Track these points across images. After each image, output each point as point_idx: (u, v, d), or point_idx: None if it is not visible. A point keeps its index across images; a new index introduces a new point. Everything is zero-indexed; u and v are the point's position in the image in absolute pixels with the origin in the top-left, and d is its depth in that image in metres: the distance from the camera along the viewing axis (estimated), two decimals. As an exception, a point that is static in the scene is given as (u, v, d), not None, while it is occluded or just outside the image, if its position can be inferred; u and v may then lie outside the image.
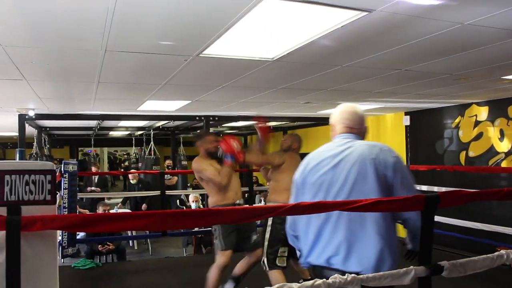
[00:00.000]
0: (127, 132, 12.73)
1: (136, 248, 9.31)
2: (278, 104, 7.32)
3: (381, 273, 2.07)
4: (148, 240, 9.16)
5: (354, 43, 3.41)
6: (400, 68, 4.43)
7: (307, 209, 1.88)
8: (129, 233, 9.25)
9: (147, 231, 8.81)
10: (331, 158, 2.49)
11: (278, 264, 4.39)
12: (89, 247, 7.03)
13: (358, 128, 2.60)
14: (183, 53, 3.61)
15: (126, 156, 21.35)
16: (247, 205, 7.02)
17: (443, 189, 6.43)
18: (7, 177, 1.59)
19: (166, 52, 3.54)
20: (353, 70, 4.40)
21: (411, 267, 2.15)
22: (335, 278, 1.97)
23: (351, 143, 2.49)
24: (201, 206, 8.53)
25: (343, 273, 2.03)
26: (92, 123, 9.75)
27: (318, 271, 2.36)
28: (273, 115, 9.30)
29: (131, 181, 10.04)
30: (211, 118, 8.82)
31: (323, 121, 10.14)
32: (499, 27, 3.06)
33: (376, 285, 2.06)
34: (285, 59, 3.85)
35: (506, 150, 7.03)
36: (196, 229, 7.77)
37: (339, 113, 2.67)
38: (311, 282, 1.91)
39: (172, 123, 10.32)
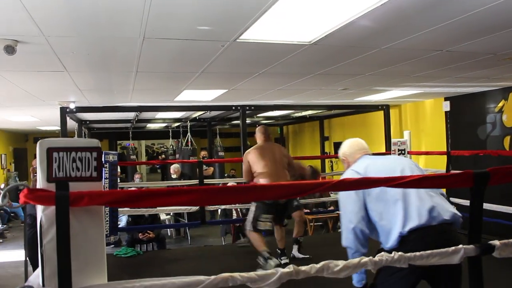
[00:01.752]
0: (164, 124, 12.88)
1: (174, 237, 9.45)
2: (314, 92, 7.24)
3: (429, 251, 2.02)
4: (187, 229, 9.28)
5: (394, 22, 3.32)
6: (441, 49, 4.30)
7: (350, 185, 1.86)
8: (166, 222, 9.42)
9: (186, 220, 8.96)
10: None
11: (260, 228, 5.02)
12: (130, 236, 7.16)
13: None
14: (220, 39, 3.62)
15: (163, 148, 21.67)
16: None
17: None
18: (55, 154, 1.61)
19: (203, 38, 3.55)
20: (392, 52, 4.30)
21: (460, 246, 2.09)
22: (382, 256, 1.93)
23: None
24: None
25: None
26: (130, 115, 9.90)
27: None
28: (310, 103, 9.23)
29: (172, 175, 10.03)
30: (247, 108, 8.81)
31: (361, 108, 10.02)
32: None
33: (424, 263, 2.01)
34: (323, 42, 3.80)
35: (553, 134, 6.77)
36: (234, 216, 7.85)
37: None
38: (357, 259, 1.88)
39: (208, 114, 10.37)
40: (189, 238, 9.16)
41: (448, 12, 3.12)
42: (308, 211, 8.45)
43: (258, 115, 11.29)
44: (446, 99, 8.57)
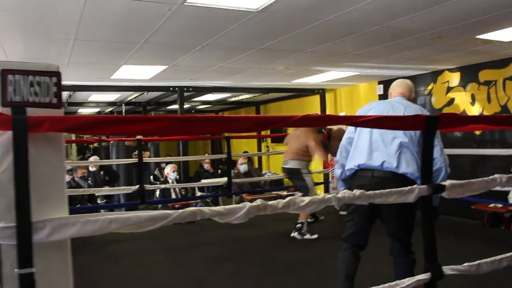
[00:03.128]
0: (97, 109, 12.45)
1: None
2: (253, 71, 7.27)
3: (387, 190, 2.09)
4: (124, 210, 8.99)
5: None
6: (381, 24, 4.45)
7: (314, 120, 1.88)
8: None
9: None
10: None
11: None
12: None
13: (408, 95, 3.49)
14: (168, 1, 3.52)
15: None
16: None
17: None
18: (10, 77, 1.49)
19: (150, -1, 3.44)
20: (334, 25, 4.40)
21: (415, 185, 2.18)
22: (344, 193, 1.97)
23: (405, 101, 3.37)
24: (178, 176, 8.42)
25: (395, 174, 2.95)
26: (63, 95, 9.47)
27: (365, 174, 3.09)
28: (247, 85, 9.26)
29: (89, 168, 9.51)
30: (185, 89, 8.71)
31: (296, 92, 10.18)
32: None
33: (383, 201, 2.08)
34: (270, 9, 3.81)
35: (477, 114, 7.21)
36: (173, 197, 7.77)
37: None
38: (321, 196, 1.91)
39: (145, 94, 10.12)
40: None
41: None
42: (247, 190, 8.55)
43: (195, 99, 11.18)
44: (379, 82, 8.91)
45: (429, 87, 8.04)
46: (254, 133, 13.13)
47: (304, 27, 4.50)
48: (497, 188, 5.41)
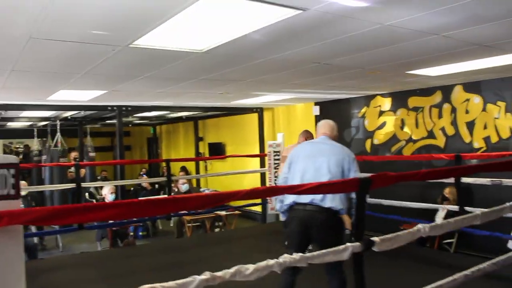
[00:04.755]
0: (29, 123, 11.98)
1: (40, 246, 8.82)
2: (194, 95, 7.36)
3: (324, 250, 2.27)
4: (58, 236, 8.76)
5: (283, 38, 3.59)
6: (320, 62, 4.70)
7: (262, 193, 2.03)
8: (33, 228, 8.78)
9: (57, 226, 8.46)
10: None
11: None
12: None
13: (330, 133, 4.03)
14: (113, 43, 3.57)
15: (22, 148, 20.00)
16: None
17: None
18: (-33, 171, 1.54)
19: (96, 41, 3.47)
20: (276, 62, 4.59)
21: (348, 244, 2.38)
22: (285, 257, 2.13)
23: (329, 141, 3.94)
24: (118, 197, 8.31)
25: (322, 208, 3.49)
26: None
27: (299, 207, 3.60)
28: (187, 105, 9.32)
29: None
30: (123, 108, 8.63)
31: (235, 110, 10.35)
32: (410, 28, 3.41)
33: (320, 261, 2.26)
34: (214, 51, 3.94)
35: (406, 138, 7.69)
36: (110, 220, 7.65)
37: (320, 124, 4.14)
38: (264, 262, 2.06)
39: (82, 113, 9.93)
40: (60, 245, 8.67)
41: (330, 33, 3.47)
42: (186, 211, 8.56)
43: (134, 115, 11.08)
44: (316, 103, 9.25)
45: (363, 110, 8.46)
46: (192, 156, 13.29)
47: (246, 64, 4.66)
48: (426, 206, 5.85)
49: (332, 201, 3.51)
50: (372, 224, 6.40)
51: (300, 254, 2.20)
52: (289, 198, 3.69)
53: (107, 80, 5.40)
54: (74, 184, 6.71)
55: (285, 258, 2.14)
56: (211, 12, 2.88)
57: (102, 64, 4.39)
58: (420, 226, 2.75)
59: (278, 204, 3.99)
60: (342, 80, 6.02)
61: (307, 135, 5.78)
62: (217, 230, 8.96)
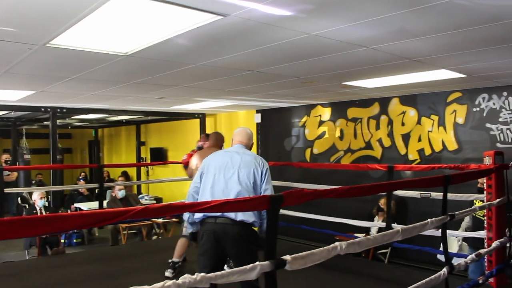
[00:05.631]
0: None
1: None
2: (131, 98, 7.12)
3: (228, 270, 2.15)
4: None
5: (209, 44, 3.47)
6: (252, 70, 4.61)
7: (156, 211, 1.89)
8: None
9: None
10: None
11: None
12: None
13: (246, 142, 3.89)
14: (28, 42, 3.34)
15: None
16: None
17: (294, 184, 6.83)
18: None
19: (6, 38, 3.23)
20: (207, 69, 4.47)
21: (257, 262, 2.26)
22: (185, 278, 1.99)
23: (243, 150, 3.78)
24: (47, 203, 7.91)
25: (234, 221, 3.37)
26: None
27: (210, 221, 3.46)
28: (126, 108, 9.04)
29: None
30: (58, 110, 8.26)
31: (177, 116, 10.16)
32: (338, 40, 3.37)
33: (225, 281, 2.13)
34: (139, 54, 3.78)
35: (345, 148, 7.74)
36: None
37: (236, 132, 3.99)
38: (161, 283, 1.91)
39: (12, 113, 9.44)
40: (-17, 253, 8.17)
41: (256, 41, 3.39)
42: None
43: (72, 117, 10.66)
44: (258, 111, 9.19)
45: (303, 119, 8.46)
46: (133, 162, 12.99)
47: (176, 69, 4.51)
48: (358, 223, 5.88)
49: (244, 214, 3.39)
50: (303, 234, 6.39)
51: (202, 274, 2.07)
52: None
53: (32, 80, 5.11)
54: (-2, 189, 6.29)
55: (185, 278, 2.00)
56: (127, 13, 2.72)
57: (22, 63, 4.13)
58: (337, 243, 2.68)
59: (186, 215, 3.80)
60: (279, 88, 5.96)
61: (204, 140, 5.66)
62: (154, 237, 8.71)
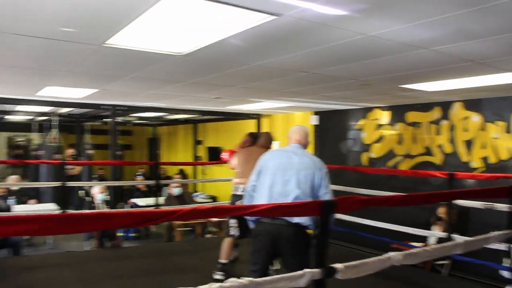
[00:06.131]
0: (29, 117, 11.91)
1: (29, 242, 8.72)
2: (188, 98, 7.22)
3: (277, 276, 2.10)
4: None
5: (263, 44, 3.43)
6: (308, 71, 4.53)
7: (204, 213, 1.87)
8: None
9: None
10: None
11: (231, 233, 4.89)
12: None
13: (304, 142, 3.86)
14: (86, 42, 3.42)
15: (23, 142, 19.97)
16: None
17: (349, 188, 6.68)
18: None
19: (68, 39, 3.32)
20: (262, 69, 4.43)
21: (307, 270, 2.20)
22: (232, 282, 1.97)
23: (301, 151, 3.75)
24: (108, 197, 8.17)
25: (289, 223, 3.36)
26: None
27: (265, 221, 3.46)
28: (183, 107, 9.19)
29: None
30: (117, 108, 8.51)
31: (233, 116, 10.21)
32: (396, 41, 3.23)
33: (273, 287, 2.08)
34: (195, 55, 3.79)
35: (403, 153, 7.48)
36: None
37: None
38: (207, 286, 1.89)
39: (77, 110, 9.83)
40: (49, 242, 8.56)
41: (311, 42, 3.30)
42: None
43: (131, 115, 10.97)
44: (315, 113, 9.08)
45: (361, 122, 8.27)
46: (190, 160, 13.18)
47: (230, 70, 4.51)
48: (415, 232, 5.66)
49: (300, 216, 3.36)
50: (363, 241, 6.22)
51: (250, 279, 2.03)
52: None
53: (93, 79, 5.27)
54: (61, 182, 6.55)
55: (232, 282, 1.97)
56: (180, 13, 2.73)
57: (82, 63, 4.26)
58: (391, 254, 2.57)
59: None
60: (335, 90, 5.84)
61: (249, 139, 5.49)
62: (208, 235, 8.80)
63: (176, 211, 1.70)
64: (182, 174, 12.21)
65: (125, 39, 3.29)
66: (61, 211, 6.91)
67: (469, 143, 6.55)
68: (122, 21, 2.85)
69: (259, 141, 5.32)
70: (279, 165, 3.58)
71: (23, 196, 9.05)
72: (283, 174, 3.52)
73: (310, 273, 2.19)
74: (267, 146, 5.20)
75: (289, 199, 3.39)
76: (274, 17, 2.66)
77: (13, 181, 8.64)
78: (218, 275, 5.01)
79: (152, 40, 3.40)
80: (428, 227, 6.45)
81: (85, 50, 3.69)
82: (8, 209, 7.26)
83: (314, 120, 9.06)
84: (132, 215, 1.63)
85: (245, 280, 2.02)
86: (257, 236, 3.54)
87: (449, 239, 4.68)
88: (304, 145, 3.82)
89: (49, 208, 8.68)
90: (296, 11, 2.55)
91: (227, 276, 5.02)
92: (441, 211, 6.38)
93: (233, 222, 4.90)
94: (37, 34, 3.21)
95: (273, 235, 3.43)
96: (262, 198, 3.51)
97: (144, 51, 3.68)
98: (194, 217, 1.75)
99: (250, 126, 10.39)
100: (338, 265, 2.30)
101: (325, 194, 3.50)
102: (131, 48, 3.57)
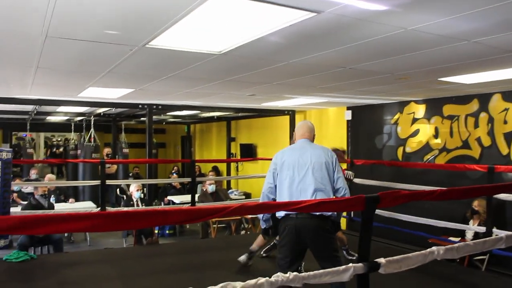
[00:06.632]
0: (66, 118, 12.25)
1: (72, 238, 9.00)
2: (223, 95, 7.30)
3: (321, 271, 2.13)
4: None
5: (302, 41, 3.45)
6: (345, 66, 4.53)
7: (252, 209, 1.91)
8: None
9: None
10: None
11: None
12: (27, 238, 6.71)
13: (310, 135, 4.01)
14: (129, 43, 3.52)
15: (62, 142, 20.57)
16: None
17: (386, 183, 6.64)
18: None
19: (111, 41, 3.43)
20: (299, 66, 4.45)
21: (350, 264, 2.22)
22: (278, 276, 2.00)
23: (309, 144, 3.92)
24: (143, 195, 8.33)
25: (313, 215, 3.50)
26: (29, 107, 9.31)
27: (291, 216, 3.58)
28: (217, 105, 9.28)
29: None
30: (154, 107, 8.68)
31: (267, 112, 10.25)
32: (436, 34, 3.20)
33: (317, 282, 2.11)
34: (233, 53, 3.84)
35: (440, 147, 7.38)
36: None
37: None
38: (254, 280, 1.94)
39: (113, 110, 10.06)
40: (88, 239, 8.81)
41: (351, 37, 3.31)
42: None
43: (167, 113, 11.15)
44: (348, 108, 9.03)
45: (396, 117, 8.18)
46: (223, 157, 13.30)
47: (268, 67, 4.54)
48: (454, 226, 5.59)
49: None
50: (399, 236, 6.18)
51: (295, 273, 2.07)
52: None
53: (131, 79, 5.40)
54: (99, 180, 6.73)
55: (278, 277, 2.01)
56: (222, 13, 2.78)
57: (123, 64, 4.37)
58: (434, 248, 2.57)
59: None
60: (371, 85, 5.80)
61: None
62: (242, 232, 8.88)
63: (226, 208, 1.75)
64: (216, 171, 12.33)
65: (167, 40, 3.37)
66: (99, 209, 7.08)
67: (509, 136, 6.40)
68: (166, 23, 2.93)
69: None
70: (294, 162, 3.76)
71: (60, 195, 9.31)
72: (300, 170, 3.71)
73: (354, 267, 2.20)
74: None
75: (308, 194, 3.62)
76: (315, 14, 2.68)
77: (49, 180, 8.91)
78: (242, 257, 5.31)
79: (193, 40, 3.46)
80: (465, 222, 6.35)
81: (127, 52, 3.79)
82: (52, 207, 7.50)
83: (348, 115, 9.02)
84: (186, 212, 1.69)
85: (291, 275, 2.05)
86: (284, 231, 3.67)
87: (489, 233, 4.60)
88: (311, 139, 3.99)
89: (88, 206, 8.92)
90: (337, 8, 2.57)
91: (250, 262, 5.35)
92: (476, 204, 6.28)
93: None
94: (84, 38, 3.32)
95: (299, 228, 3.58)
96: (283, 197, 3.68)
97: (184, 51, 3.76)
98: (241, 213, 1.79)
99: (283, 122, 10.41)
100: (381, 260, 2.31)
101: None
102: (173, 48, 3.66)
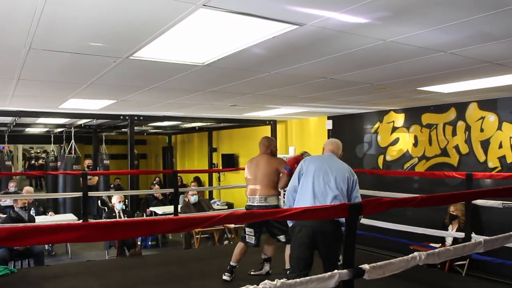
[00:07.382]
0: (46, 129, 12.12)
1: (51, 252, 8.85)
2: (205, 106, 7.33)
3: (307, 277, 2.17)
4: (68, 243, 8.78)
5: (284, 52, 3.52)
6: (326, 77, 4.61)
7: (240, 218, 1.95)
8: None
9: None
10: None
11: (247, 241, 5.24)
12: (5, 251, 6.60)
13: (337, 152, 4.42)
14: (113, 55, 3.54)
15: (41, 154, 20.28)
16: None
17: (367, 191, 6.73)
18: None
19: (95, 53, 3.45)
20: (281, 76, 4.52)
21: (336, 271, 2.27)
22: (265, 284, 2.04)
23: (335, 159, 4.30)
24: (125, 206, 8.27)
25: (331, 220, 3.80)
26: (7, 119, 9.20)
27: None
28: (199, 116, 9.31)
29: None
30: (135, 118, 8.66)
31: (248, 123, 10.31)
32: (415, 45, 3.30)
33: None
34: (216, 64, 3.89)
35: (419, 155, 7.52)
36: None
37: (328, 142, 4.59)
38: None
39: (94, 121, 10.00)
40: (69, 251, 8.70)
41: (332, 49, 3.39)
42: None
43: (148, 124, 11.12)
44: (329, 117, 9.14)
45: (376, 126, 8.31)
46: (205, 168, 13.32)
47: (250, 77, 4.60)
48: (434, 232, 5.69)
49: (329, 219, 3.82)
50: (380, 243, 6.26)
51: (283, 280, 2.10)
52: (300, 206, 3.93)
53: (114, 90, 5.40)
54: (81, 192, 6.67)
55: (265, 284, 2.05)
56: (206, 26, 2.82)
57: (106, 75, 4.38)
58: (416, 254, 2.63)
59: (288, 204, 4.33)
60: (352, 95, 5.91)
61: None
62: (226, 242, 8.88)
63: (215, 216, 1.78)
64: (198, 181, 12.32)
65: (152, 51, 3.40)
66: (81, 221, 7.01)
67: (485, 143, 6.57)
68: (151, 35, 2.96)
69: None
70: (320, 168, 4.09)
71: (39, 207, 9.17)
72: (324, 176, 4.03)
73: (339, 273, 2.25)
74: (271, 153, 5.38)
75: (328, 198, 3.95)
76: (297, 26, 2.74)
77: (27, 192, 8.78)
78: (226, 276, 5.27)
79: (177, 51, 3.50)
80: (443, 228, 6.47)
81: (111, 63, 3.80)
82: (32, 220, 7.40)
83: (329, 124, 9.12)
84: (176, 221, 1.72)
85: (278, 282, 2.09)
86: (299, 231, 3.97)
87: (469, 238, 4.71)
88: (337, 155, 4.36)
89: (69, 218, 8.83)
90: (319, 20, 2.64)
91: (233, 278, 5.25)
92: (453, 208, 6.42)
93: (249, 230, 5.18)
94: (68, 50, 3.33)
95: (315, 230, 3.88)
96: (306, 197, 4.02)
97: (168, 62, 3.79)
98: (230, 222, 1.83)
99: (265, 132, 10.46)
100: (365, 266, 2.36)
101: (356, 197, 4.04)
102: (157, 60, 3.69)
